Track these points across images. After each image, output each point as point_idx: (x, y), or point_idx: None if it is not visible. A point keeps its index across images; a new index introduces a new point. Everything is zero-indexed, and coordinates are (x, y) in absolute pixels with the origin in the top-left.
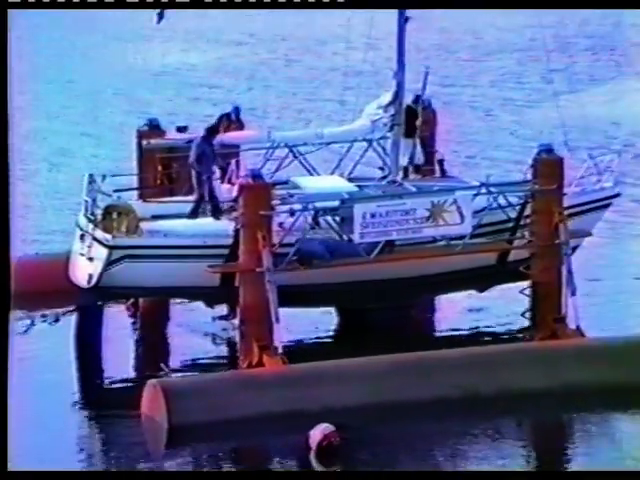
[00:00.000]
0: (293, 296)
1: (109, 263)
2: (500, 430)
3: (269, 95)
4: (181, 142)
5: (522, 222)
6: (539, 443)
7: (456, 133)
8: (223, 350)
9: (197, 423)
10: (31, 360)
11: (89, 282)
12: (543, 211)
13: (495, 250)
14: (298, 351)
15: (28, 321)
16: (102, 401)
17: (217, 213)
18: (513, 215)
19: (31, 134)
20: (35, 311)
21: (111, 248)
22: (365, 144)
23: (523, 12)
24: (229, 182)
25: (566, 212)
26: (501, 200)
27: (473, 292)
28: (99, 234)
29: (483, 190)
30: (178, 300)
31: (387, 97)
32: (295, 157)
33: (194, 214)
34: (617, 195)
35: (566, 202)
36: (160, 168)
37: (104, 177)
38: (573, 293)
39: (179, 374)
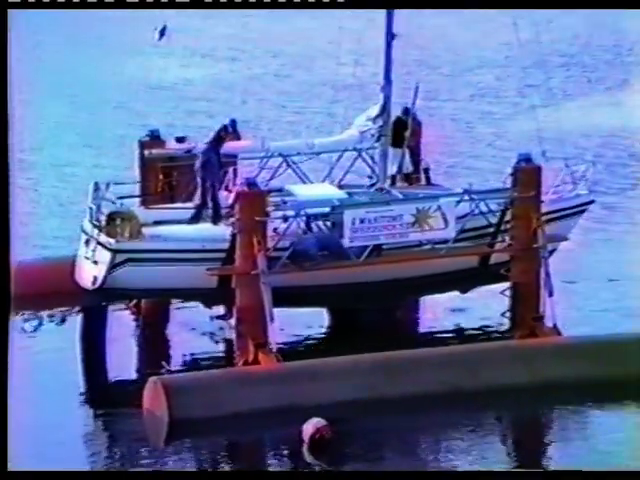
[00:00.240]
0: (287, 297)
1: (113, 266)
2: (481, 423)
3: (262, 108)
4: (180, 152)
5: (502, 227)
6: (518, 435)
7: (438, 144)
8: (220, 348)
9: (196, 418)
10: (32, 359)
11: (94, 284)
12: (522, 217)
13: (477, 253)
14: (292, 349)
15: (36, 321)
16: (106, 397)
17: (217, 218)
18: (494, 220)
19: (36, 145)
20: (41, 312)
21: (114, 252)
22: (354, 154)
23: (501, 31)
24: (226, 189)
25: (544, 218)
26: (483, 206)
27: (456, 293)
28: (103, 239)
29: (466, 197)
30: (178, 301)
31: (375, 109)
32: (288, 166)
33: (196, 219)
34: (591, 202)
35: (544, 208)
36: (161, 176)
37: (108, 185)
38: (550, 294)
39: (179, 371)
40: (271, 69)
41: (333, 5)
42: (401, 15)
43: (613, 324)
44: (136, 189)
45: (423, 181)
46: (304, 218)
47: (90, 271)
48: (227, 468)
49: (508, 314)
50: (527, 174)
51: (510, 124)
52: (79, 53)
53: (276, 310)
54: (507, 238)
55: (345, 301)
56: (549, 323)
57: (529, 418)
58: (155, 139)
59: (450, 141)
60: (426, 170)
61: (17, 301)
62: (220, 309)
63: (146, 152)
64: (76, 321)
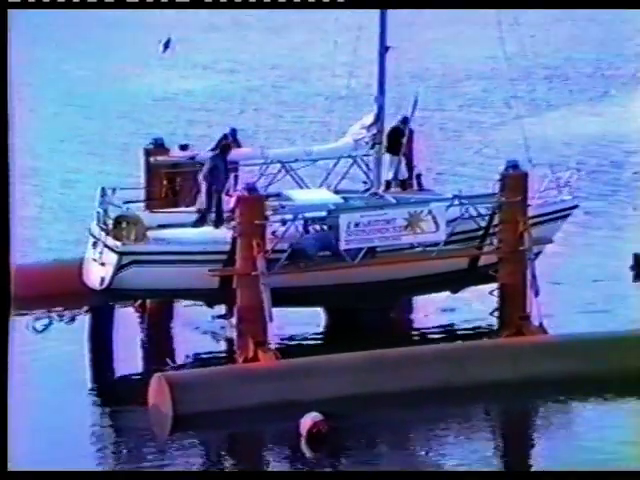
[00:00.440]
0: (285, 297)
1: (119, 268)
2: (470, 417)
3: (259, 117)
4: (184, 159)
5: (491, 230)
6: (505, 429)
7: (428, 152)
8: (222, 346)
9: (199, 412)
10: (39, 357)
11: (101, 285)
12: (509, 221)
13: (467, 255)
14: (290, 347)
15: (47, 320)
16: (113, 392)
17: (219, 222)
18: (483, 224)
19: (45, 154)
20: (52, 311)
21: (121, 254)
22: (350, 160)
23: (487, 44)
24: (227, 194)
25: (530, 222)
26: (472, 211)
27: (447, 293)
28: (110, 241)
29: (456, 202)
30: (181, 301)
31: (369, 118)
32: (287, 172)
33: (202, 222)
34: (575, 207)
35: (530, 213)
36: (165, 182)
37: (114, 190)
38: (536, 294)
39: (183, 368)
40: (268, 81)
41: (333, 5)
42: (393, 29)
43: (596, 323)
44: (141, 194)
45: (415, 186)
46: (302, 222)
47: (98, 272)
48: (228, 460)
49: (496, 313)
50: (514, 180)
51: (496, 133)
52: (85, 65)
53: (275, 310)
54: (495, 241)
55: (341, 301)
56: (535, 322)
57: (516, 412)
58: (159, 147)
59: (439, 149)
60: (418, 176)
61: (28, 301)
62: (221, 309)
63: (151, 159)
64: (84, 320)
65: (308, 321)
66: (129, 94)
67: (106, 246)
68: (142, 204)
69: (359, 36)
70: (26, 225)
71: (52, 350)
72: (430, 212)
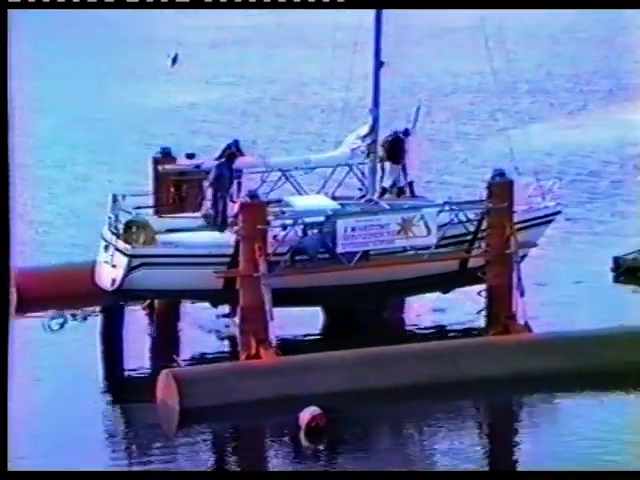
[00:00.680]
0: (285, 297)
1: (129, 270)
2: (460, 411)
3: (259, 129)
4: (190, 167)
5: (479, 235)
6: (493, 422)
7: (417, 161)
8: (226, 344)
9: (204, 406)
10: (48, 354)
11: (112, 286)
12: (496, 225)
13: (456, 258)
14: (290, 345)
15: (61, 320)
16: (123, 388)
17: (224, 226)
18: (471, 229)
19: (56, 163)
20: (66, 311)
21: (131, 257)
22: (346, 168)
23: (474, 59)
24: (231, 201)
25: (516, 226)
26: (461, 216)
27: (438, 294)
28: (121, 245)
29: (446, 208)
30: (188, 301)
31: (364, 129)
32: (287, 180)
33: (211, 226)
34: (558, 213)
35: (516, 218)
36: (172, 189)
37: (125, 197)
38: (522, 294)
39: (189, 364)
40: (268, 94)
41: (333, 5)
42: (386, 45)
43: (578, 321)
44: (150, 200)
45: (408, 193)
46: (301, 226)
47: (109, 274)
48: (231, 452)
49: (484, 313)
50: (501, 187)
51: (481, 143)
52: (94, 80)
53: (275, 309)
54: (483, 244)
55: (338, 301)
56: (521, 321)
57: (502, 406)
58: (167, 156)
59: (428, 159)
60: (410, 184)
61: (43, 301)
62: (225, 308)
63: (159, 167)
64: (96, 319)
65: (307, 320)
66: (135, 107)
67: (117, 249)
68: (151, 210)
69: (355, 50)
70: (39, 230)
71: (66, 347)
72: (422, 217)
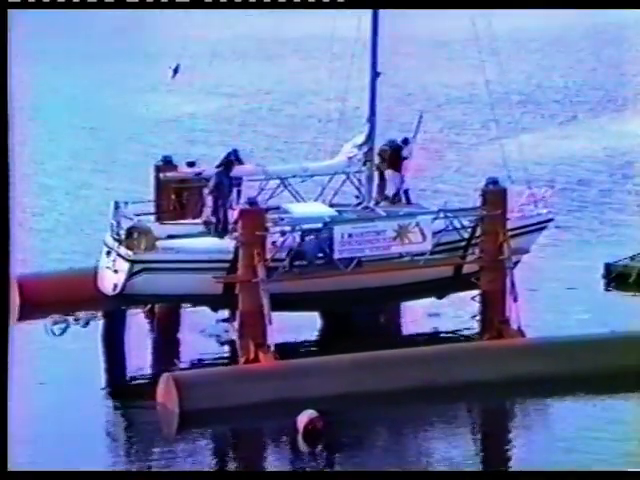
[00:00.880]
0: (284, 302)
1: (131, 275)
2: (454, 414)
3: (257, 138)
4: (191, 175)
5: (473, 241)
6: (486, 425)
7: (411, 170)
8: (225, 348)
9: (204, 409)
10: (47, 356)
11: (114, 290)
12: (490, 232)
13: (451, 264)
14: (288, 349)
15: (64, 324)
16: (125, 391)
17: (224, 233)
18: (466, 235)
19: (58, 171)
20: (69, 315)
21: (132, 262)
22: (343, 176)
23: (466, 70)
24: (230, 207)
25: (509, 233)
26: (456, 223)
27: (433, 299)
28: (122, 250)
29: (441, 215)
30: (188, 305)
31: (361, 138)
32: (285, 187)
33: (211, 232)
34: (550, 220)
35: (509, 225)
36: (173, 196)
37: (126, 204)
38: (515, 300)
39: (189, 368)
40: (265, 104)
41: (333, 5)
42: (381, 57)
43: (570, 326)
44: (151, 207)
45: (404, 201)
46: (299, 233)
47: (111, 279)
48: (230, 454)
49: (478, 318)
50: (494, 195)
51: (473, 153)
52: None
53: (274, 314)
54: (477, 251)
55: (336, 306)
56: (514, 326)
57: (496, 410)
58: (168, 164)
59: (422, 167)
60: (406, 191)
61: (46, 306)
62: (225, 313)
63: (161, 175)
64: (98, 324)
65: (305, 325)
66: (136, 116)
67: (119, 255)
68: (152, 216)
69: (352, 63)
70: (41, 237)
71: (68, 351)
72: (417, 224)
